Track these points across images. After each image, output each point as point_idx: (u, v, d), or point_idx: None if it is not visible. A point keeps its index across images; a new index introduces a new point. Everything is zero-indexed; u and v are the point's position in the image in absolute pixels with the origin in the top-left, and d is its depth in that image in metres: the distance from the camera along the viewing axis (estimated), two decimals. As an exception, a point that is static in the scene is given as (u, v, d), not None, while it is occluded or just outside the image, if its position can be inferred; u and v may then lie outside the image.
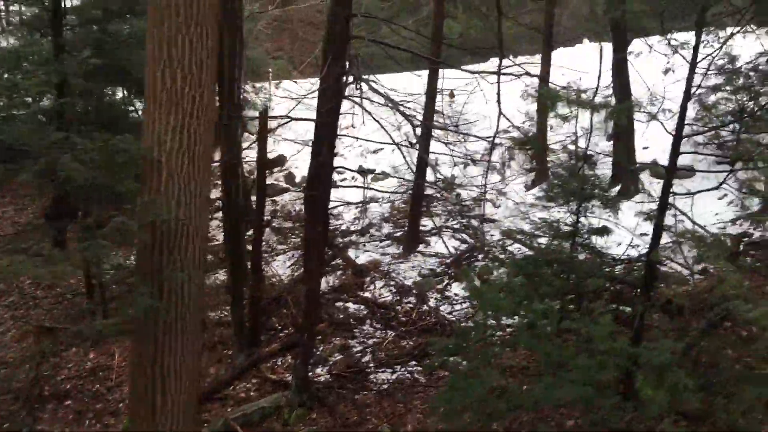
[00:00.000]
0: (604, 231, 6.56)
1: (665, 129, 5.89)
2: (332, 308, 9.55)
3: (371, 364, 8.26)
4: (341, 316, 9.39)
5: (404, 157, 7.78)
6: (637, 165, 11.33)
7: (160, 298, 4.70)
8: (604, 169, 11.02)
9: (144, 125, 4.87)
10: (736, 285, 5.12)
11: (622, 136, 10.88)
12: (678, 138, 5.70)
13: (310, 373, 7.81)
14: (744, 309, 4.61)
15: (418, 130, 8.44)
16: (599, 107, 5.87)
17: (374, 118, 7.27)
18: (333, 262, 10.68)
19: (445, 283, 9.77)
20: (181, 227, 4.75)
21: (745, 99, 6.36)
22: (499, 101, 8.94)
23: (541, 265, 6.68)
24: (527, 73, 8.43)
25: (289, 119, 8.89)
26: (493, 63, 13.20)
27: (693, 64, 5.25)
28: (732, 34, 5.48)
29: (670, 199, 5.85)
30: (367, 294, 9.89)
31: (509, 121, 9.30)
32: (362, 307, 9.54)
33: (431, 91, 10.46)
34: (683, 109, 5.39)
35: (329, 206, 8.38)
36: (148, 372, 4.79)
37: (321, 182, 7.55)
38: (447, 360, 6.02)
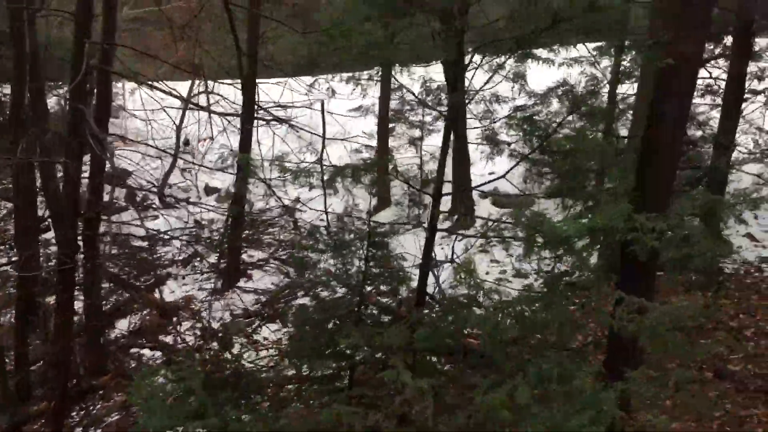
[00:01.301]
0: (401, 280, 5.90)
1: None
2: (125, 356, 8.47)
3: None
4: (133, 365, 8.32)
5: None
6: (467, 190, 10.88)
7: None
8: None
9: None
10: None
11: (458, 160, 10.41)
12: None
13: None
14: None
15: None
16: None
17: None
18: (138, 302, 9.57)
19: (255, 325, 8.89)
20: None
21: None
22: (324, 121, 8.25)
23: (320, 323, 5.96)
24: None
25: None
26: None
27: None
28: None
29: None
30: (169, 338, 8.86)
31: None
32: (159, 354, 8.50)
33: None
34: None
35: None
36: None
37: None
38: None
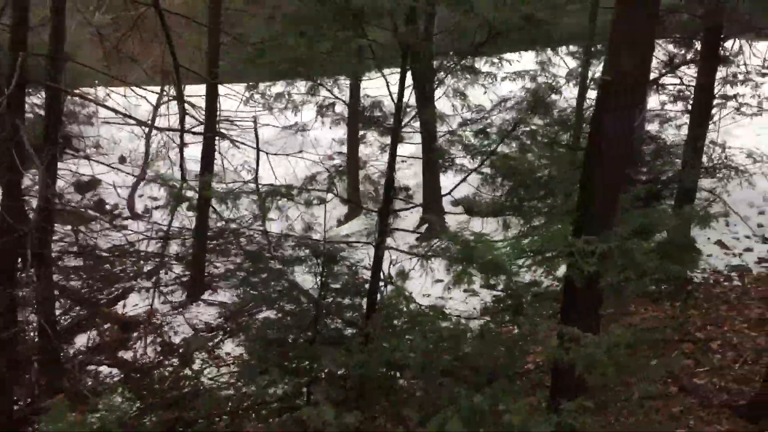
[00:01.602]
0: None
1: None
2: (82, 373, 8.23)
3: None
4: (90, 383, 8.09)
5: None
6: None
7: None
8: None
9: None
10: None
11: (428, 170, 10.25)
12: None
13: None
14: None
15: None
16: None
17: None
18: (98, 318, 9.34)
19: (217, 340, 8.68)
20: None
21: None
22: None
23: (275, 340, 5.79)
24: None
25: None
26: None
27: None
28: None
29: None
30: (129, 354, 8.64)
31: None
32: (116, 371, 8.28)
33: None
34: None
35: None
36: None
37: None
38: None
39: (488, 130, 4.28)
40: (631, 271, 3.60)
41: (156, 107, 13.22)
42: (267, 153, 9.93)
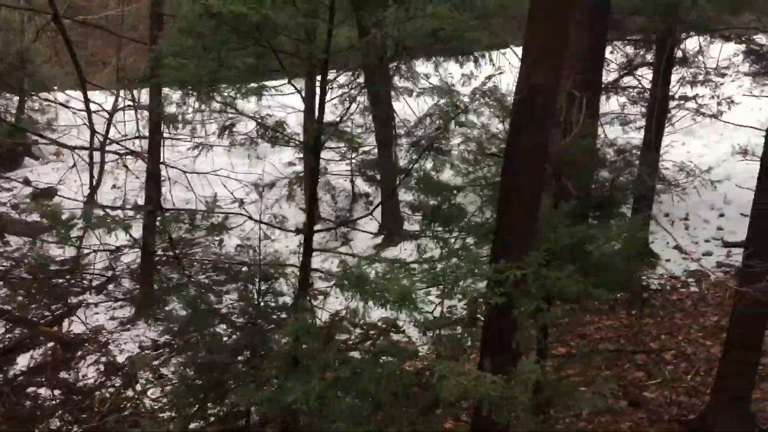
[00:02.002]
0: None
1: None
2: (20, 396, 7.90)
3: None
4: (28, 406, 7.76)
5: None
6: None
7: None
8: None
9: None
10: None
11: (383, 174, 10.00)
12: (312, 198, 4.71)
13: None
14: None
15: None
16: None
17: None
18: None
19: (163, 359, 8.39)
20: None
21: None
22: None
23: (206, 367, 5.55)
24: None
25: None
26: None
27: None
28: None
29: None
30: (71, 375, 8.31)
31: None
32: (57, 393, 7.96)
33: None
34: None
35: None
36: None
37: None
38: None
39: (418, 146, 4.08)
40: (553, 297, 3.38)
41: (110, 116, 12.87)
42: (185, 171, 9.76)
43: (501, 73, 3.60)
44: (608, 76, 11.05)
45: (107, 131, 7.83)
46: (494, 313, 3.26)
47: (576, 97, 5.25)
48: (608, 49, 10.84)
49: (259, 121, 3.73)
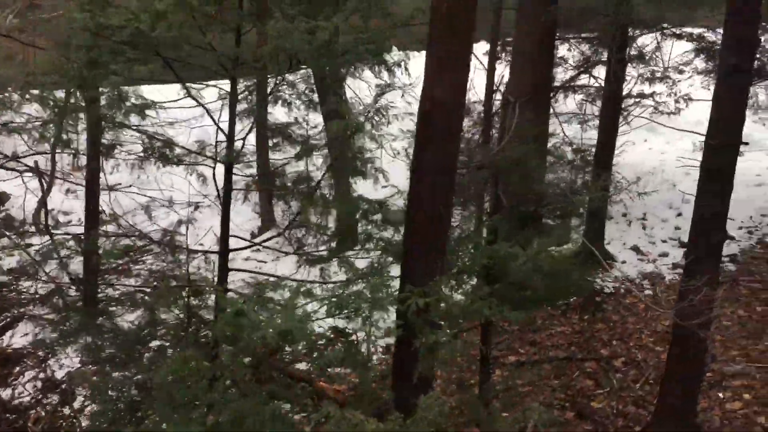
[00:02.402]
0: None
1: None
2: (-48, 416, 7.57)
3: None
4: (-40, 427, 7.44)
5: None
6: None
7: None
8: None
9: None
10: None
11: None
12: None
13: None
14: None
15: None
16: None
17: None
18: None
19: (101, 375, 8.07)
20: None
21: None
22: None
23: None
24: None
25: None
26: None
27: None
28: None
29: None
30: (8, 391, 7.98)
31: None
32: (-10, 412, 7.63)
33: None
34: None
35: None
36: None
37: None
38: None
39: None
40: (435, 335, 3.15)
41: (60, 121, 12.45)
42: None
43: (410, 85, 3.38)
44: (566, 74, 10.91)
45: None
46: (396, 343, 3.04)
47: (510, 102, 5.04)
48: (565, 47, 10.71)
49: (145, 139, 3.48)
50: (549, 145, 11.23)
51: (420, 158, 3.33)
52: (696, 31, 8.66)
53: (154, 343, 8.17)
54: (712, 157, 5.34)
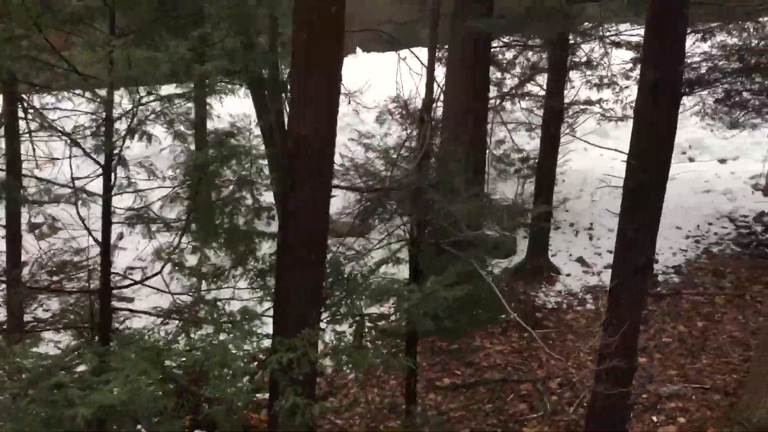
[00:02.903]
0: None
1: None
2: None
3: None
4: None
5: None
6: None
7: None
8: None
9: None
10: None
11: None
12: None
13: None
14: None
15: None
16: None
17: None
18: None
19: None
20: None
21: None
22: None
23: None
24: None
25: None
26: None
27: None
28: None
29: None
30: None
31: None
32: None
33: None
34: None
35: None
36: None
37: None
38: None
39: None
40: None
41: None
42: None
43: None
44: (514, 81, 10.71)
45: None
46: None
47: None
48: (512, 53, 10.49)
49: None
50: (500, 152, 11.09)
51: (291, 196, 3.04)
52: (634, 39, 8.47)
53: None
54: (635, 177, 5.16)
